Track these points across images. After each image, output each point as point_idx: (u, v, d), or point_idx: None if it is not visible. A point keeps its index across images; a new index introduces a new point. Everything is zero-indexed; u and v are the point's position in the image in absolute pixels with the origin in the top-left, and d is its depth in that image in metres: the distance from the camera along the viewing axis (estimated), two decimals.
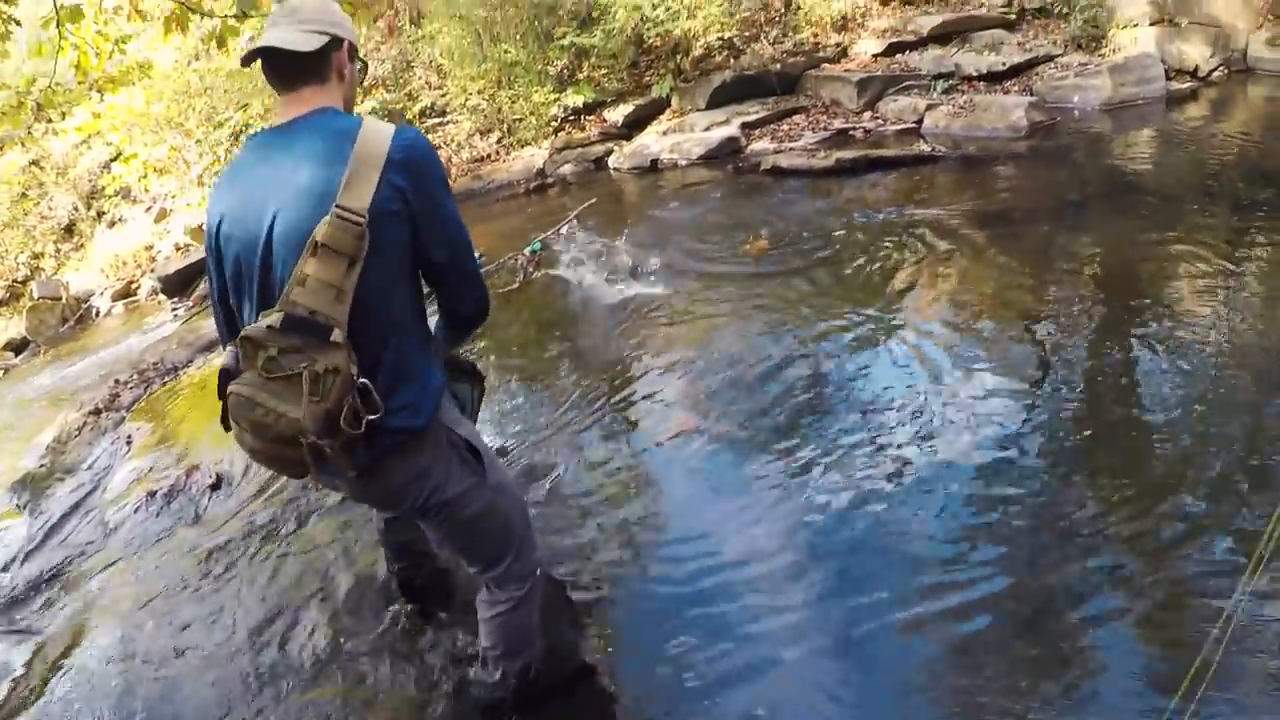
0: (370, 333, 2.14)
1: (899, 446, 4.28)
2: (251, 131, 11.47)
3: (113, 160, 12.91)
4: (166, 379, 7.38)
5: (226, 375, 2.22)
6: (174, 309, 10.50)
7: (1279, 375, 4.53)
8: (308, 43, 2.18)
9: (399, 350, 2.23)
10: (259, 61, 2.23)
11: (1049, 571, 3.41)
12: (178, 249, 11.90)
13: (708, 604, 3.48)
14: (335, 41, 2.26)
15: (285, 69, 2.22)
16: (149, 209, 12.95)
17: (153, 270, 11.59)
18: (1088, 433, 4.29)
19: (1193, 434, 4.14)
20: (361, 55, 2.46)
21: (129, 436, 6.31)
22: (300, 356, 2.00)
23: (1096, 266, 6.23)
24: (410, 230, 2.17)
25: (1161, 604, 3.19)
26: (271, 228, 2.09)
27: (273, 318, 2.02)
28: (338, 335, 2.01)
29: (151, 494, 5.15)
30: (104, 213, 13.52)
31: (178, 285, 11.00)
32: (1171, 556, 3.40)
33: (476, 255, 2.48)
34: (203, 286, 10.76)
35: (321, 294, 2.01)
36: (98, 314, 11.60)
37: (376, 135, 2.10)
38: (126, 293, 11.77)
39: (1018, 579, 3.40)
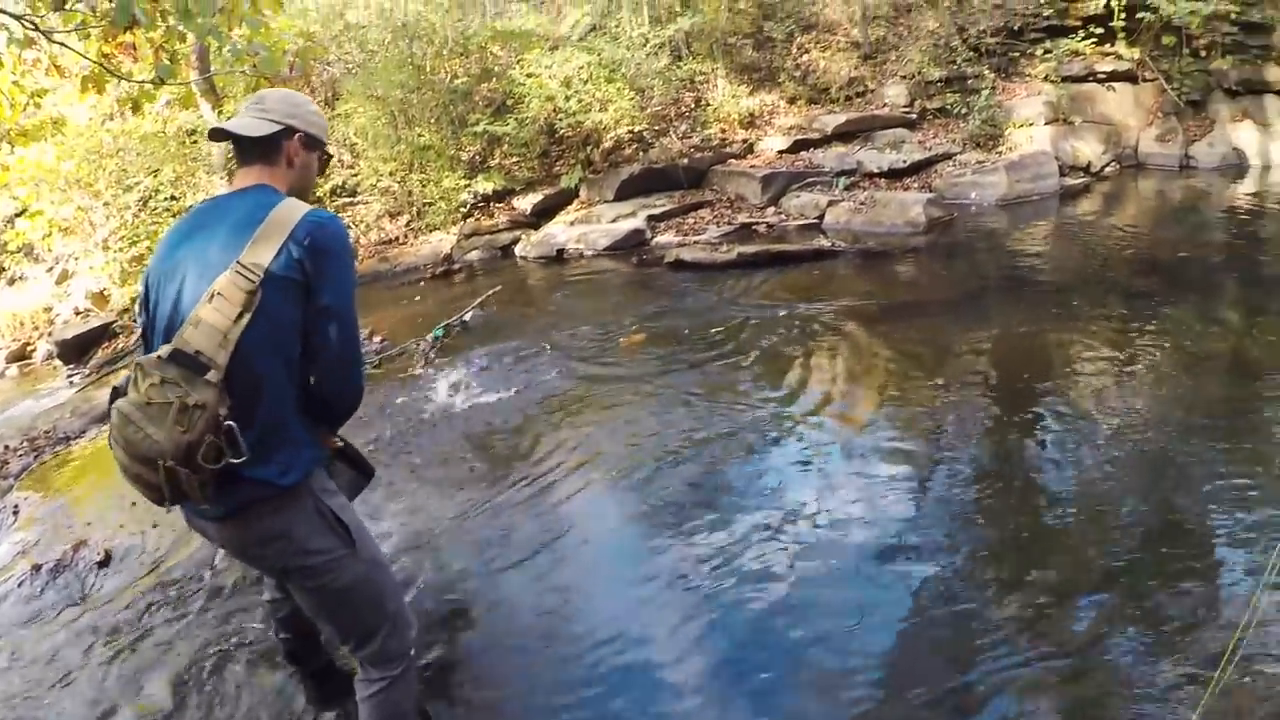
0: (250, 386, 2.27)
1: (797, 534, 4.20)
2: (163, 197, 11.39)
3: (18, 215, 12.42)
4: (58, 448, 6.99)
5: (115, 394, 2.31)
6: (70, 375, 9.88)
7: (1169, 459, 4.58)
8: (260, 129, 2.48)
9: (277, 410, 2.34)
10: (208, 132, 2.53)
11: (938, 653, 3.35)
12: (77, 313, 11.33)
13: (603, 684, 3.37)
14: (287, 131, 2.52)
15: (240, 149, 2.52)
16: (51, 269, 12.38)
17: (50, 334, 10.95)
18: (981, 519, 4.24)
19: (1084, 519, 4.13)
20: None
21: (15, 507, 5.97)
22: (177, 388, 2.15)
23: (992, 356, 6.28)
24: (301, 301, 2.32)
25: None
26: (185, 279, 2.32)
27: (164, 350, 2.22)
28: (213, 376, 2.18)
29: (36, 568, 4.88)
30: (4, 269, 12.90)
31: (75, 351, 10.38)
32: (1048, 634, 3.37)
33: (364, 346, 2.63)
34: (100, 355, 10.44)
35: (209, 337, 2.20)
36: None
37: (290, 210, 2.34)
38: (21, 354, 11.03)
39: (909, 665, 3.32)
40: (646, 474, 4.99)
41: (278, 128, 2.50)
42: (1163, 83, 14.16)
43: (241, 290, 2.22)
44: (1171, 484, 4.35)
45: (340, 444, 2.89)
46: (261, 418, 2.30)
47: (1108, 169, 12.33)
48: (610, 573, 4.18)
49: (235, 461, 2.21)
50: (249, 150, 2.51)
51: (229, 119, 2.87)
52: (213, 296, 2.23)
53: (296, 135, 2.55)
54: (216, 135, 2.58)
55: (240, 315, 2.22)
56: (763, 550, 4.10)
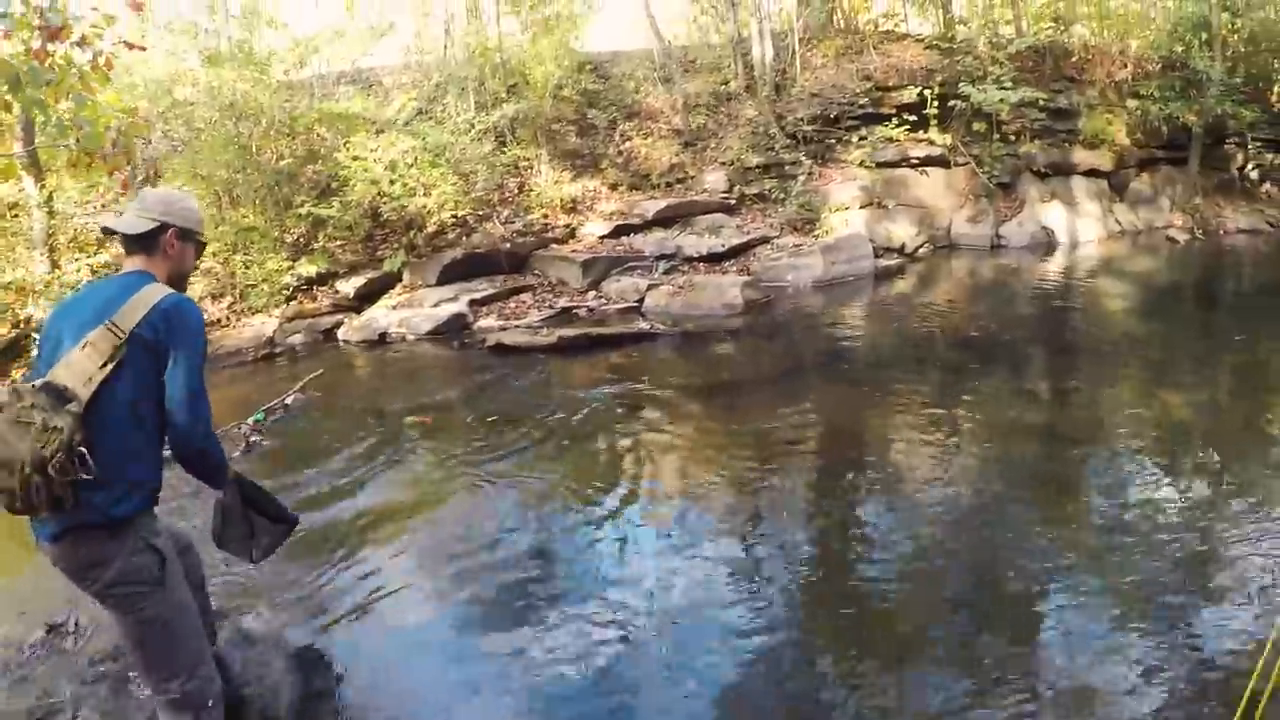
0: (106, 426, 2.68)
1: (623, 621, 3.96)
2: None
3: None
4: None
5: None
6: None
7: (986, 526, 4.58)
8: (139, 226, 2.91)
9: (122, 447, 2.72)
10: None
11: None
12: None
13: None
14: (163, 227, 2.93)
15: (125, 242, 2.97)
16: None
17: None
18: (807, 599, 4.09)
19: (905, 591, 4.04)
20: (194, 235, 3.07)
21: None
22: (43, 412, 2.56)
23: (811, 433, 6.21)
24: (157, 363, 2.75)
25: None
26: (63, 331, 2.80)
27: (38, 382, 2.66)
28: (74, 407, 2.61)
29: None
30: None
31: None
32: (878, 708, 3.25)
33: (210, 416, 2.90)
34: None
35: (76, 376, 2.66)
36: None
37: (154, 291, 2.80)
38: None
39: None
40: (470, 565, 4.71)
41: (154, 224, 2.92)
42: (974, 166, 14.85)
43: (109, 344, 2.69)
44: (989, 550, 4.33)
45: (237, 491, 3.22)
46: (108, 450, 2.67)
47: (921, 249, 12.74)
48: (435, 671, 3.91)
49: (85, 477, 2.59)
50: (132, 243, 2.94)
51: (119, 215, 3.18)
52: (85, 345, 2.70)
53: (170, 230, 2.95)
54: (106, 231, 3.10)
55: (105, 364, 2.68)
56: (587, 640, 3.86)
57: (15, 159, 8.45)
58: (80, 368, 2.67)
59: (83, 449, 2.59)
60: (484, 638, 4.02)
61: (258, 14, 13.41)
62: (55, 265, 11.05)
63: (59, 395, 2.62)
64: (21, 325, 10.63)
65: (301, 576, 4.79)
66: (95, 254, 11.30)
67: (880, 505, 4.95)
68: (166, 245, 2.94)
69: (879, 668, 3.53)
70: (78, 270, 10.71)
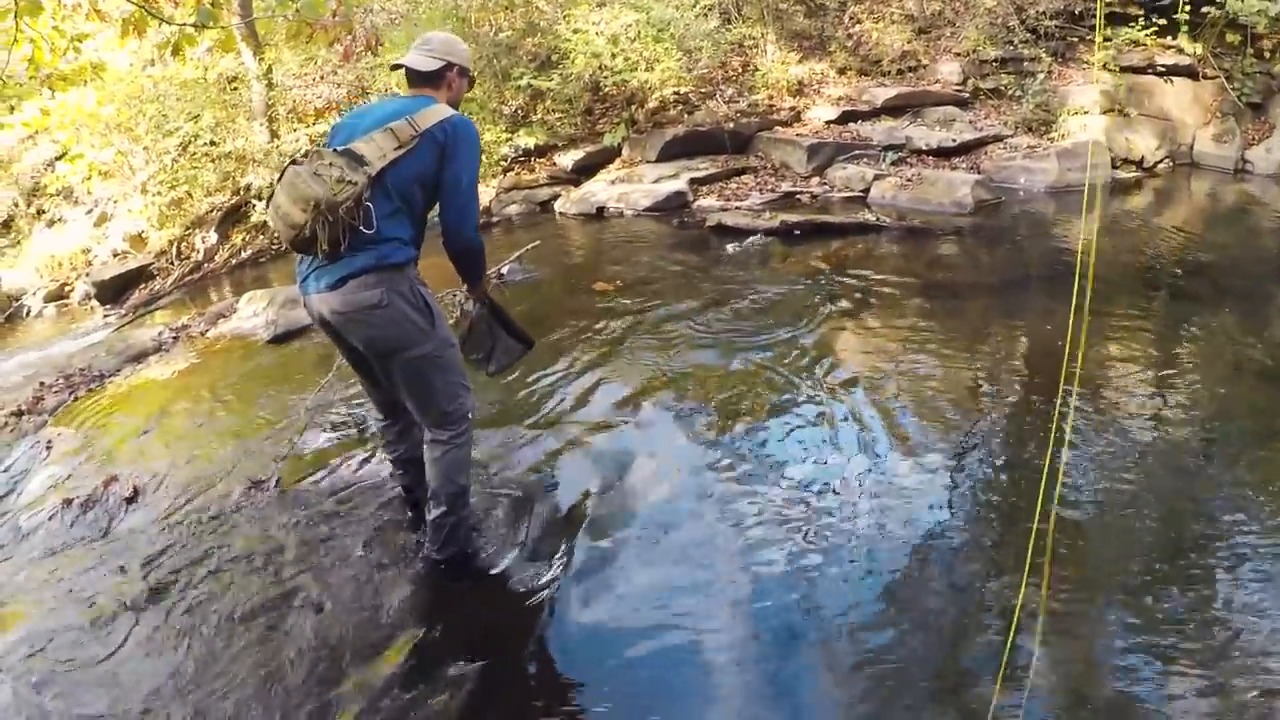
0: (388, 196, 3.22)
1: (825, 515, 4.11)
2: (202, 142, 11.38)
3: (58, 159, 12.55)
4: (92, 386, 7.06)
5: (292, 162, 3.19)
6: (106, 316, 10.20)
7: (1205, 461, 4.47)
8: (428, 65, 3.47)
9: (400, 221, 3.28)
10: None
11: (963, 647, 3.31)
12: (115, 255, 11.58)
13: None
14: (449, 65, 3.49)
15: (411, 77, 3.52)
16: (90, 211, 12.58)
17: (88, 274, 11.24)
18: (1001, 517, 4.12)
19: (1118, 519, 4.02)
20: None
21: (49, 442, 6.01)
22: (339, 169, 3.06)
23: (1030, 345, 6.15)
24: (439, 162, 3.27)
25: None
26: (363, 121, 3.35)
27: (339, 149, 3.20)
28: (368, 170, 3.12)
29: (68, 502, 4.88)
30: (44, 211, 13.12)
31: (112, 292, 10.74)
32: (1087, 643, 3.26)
33: (476, 213, 3.46)
34: (136, 296, 10.49)
35: (374, 151, 3.17)
36: (28, 313, 11.22)
37: (445, 109, 3.36)
38: (59, 295, 11.42)
39: (930, 654, 3.27)
40: (677, 428, 4.99)
41: (441, 63, 3.47)
42: (1223, 81, 13.81)
43: (406, 134, 3.21)
44: (1187, 501, 4.20)
45: (490, 290, 3.90)
46: (383, 215, 3.19)
47: (1160, 165, 12.06)
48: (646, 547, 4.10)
49: (365, 230, 3.14)
50: (420, 79, 3.49)
51: (402, 56, 3.62)
52: (385, 131, 3.21)
53: (454, 68, 3.52)
54: (396, 67, 3.59)
55: (400, 147, 3.20)
56: (783, 530, 4.03)
57: (234, 30, 8.77)
58: (378, 145, 3.18)
59: (369, 204, 3.13)
60: (689, 519, 4.19)
61: None
62: (274, 135, 11.64)
63: (358, 159, 3.13)
64: (241, 193, 11.29)
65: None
66: (314, 124, 11.79)
67: (1084, 437, 4.81)
68: (450, 80, 3.53)
69: (1055, 601, 3.52)
70: (296, 140, 11.30)
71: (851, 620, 3.43)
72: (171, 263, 11.23)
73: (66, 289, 11.50)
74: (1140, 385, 5.47)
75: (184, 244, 11.43)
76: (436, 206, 3.44)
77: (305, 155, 3.21)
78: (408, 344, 3.30)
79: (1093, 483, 4.35)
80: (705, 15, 12.56)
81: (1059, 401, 4.74)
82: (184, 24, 5.41)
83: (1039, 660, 3.13)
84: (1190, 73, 13.77)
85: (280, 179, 3.16)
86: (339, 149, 3.18)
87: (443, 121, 3.27)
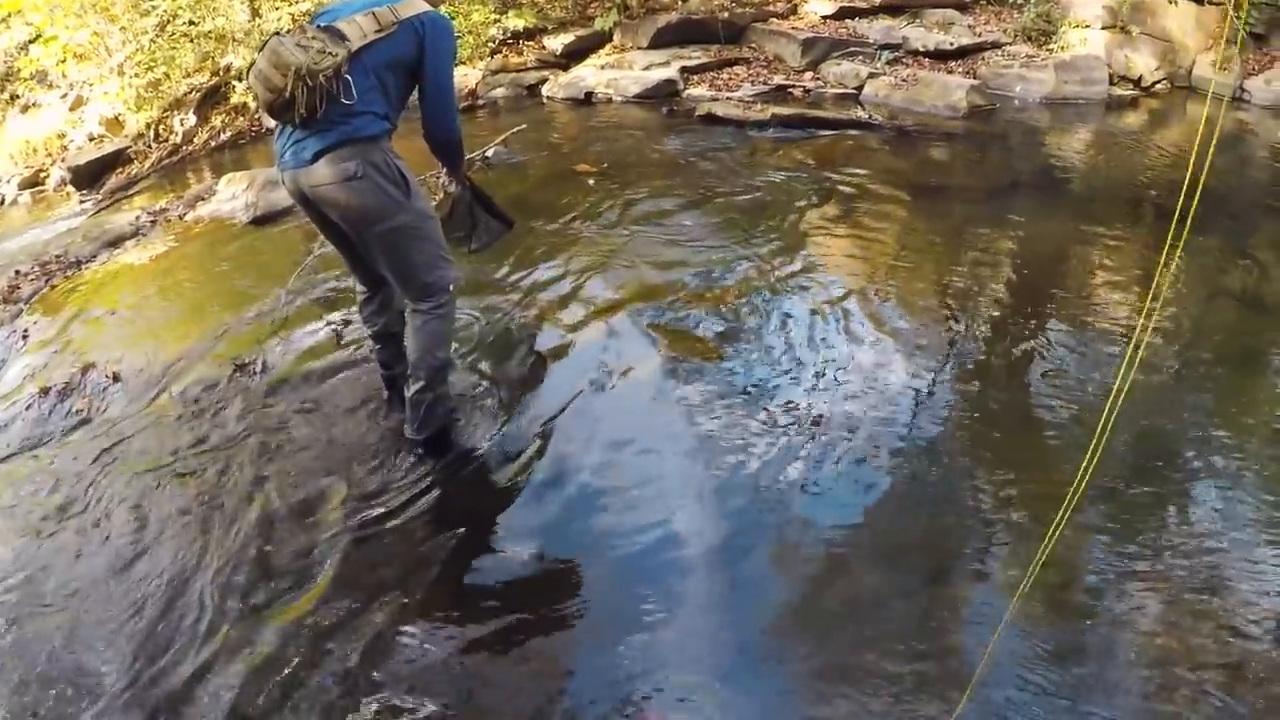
0: (366, 73, 3.29)
1: (806, 409, 4.09)
2: (181, 21, 10.93)
3: (31, 41, 12.17)
4: (69, 273, 6.94)
5: (275, 35, 3.27)
6: (82, 201, 9.98)
7: (1185, 380, 4.44)
8: None
9: (375, 98, 3.34)
10: None
11: (940, 540, 3.33)
12: (91, 139, 11.38)
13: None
14: None
15: None
16: (65, 95, 12.31)
17: (64, 160, 11.05)
18: (986, 416, 4.14)
19: (1091, 428, 3.99)
20: None
21: (25, 331, 5.94)
22: (322, 42, 3.16)
23: (1016, 253, 6.04)
24: (416, 50, 3.36)
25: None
26: (342, 13, 3.34)
27: (325, 25, 3.27)
28: (349, 46, 3.21)
29: (45, 390, 4.82)
30: (17, 96, 12.87)
31: (88, 177, 10.54)
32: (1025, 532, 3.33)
33: (457, 108, 3.63)
34: (113, 181, 10.28)
35: (355, 31, 3.25)
36: (3, 201, 11.05)
37: (421, 4, 3.39)
38: (35, 181, 11.22)
39: (907, 546, 3.32)
40: (658, 320, 4.93)
41: None
42: (1229, 7, 13.59)
43: (387, 20, 3.28)
44: (1155, 420, 4.16)
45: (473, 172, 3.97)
46: (360, 90, 3.26)
47: (1158, 85, 11.87)
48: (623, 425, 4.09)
49: (345, 101, 3.23)
50: None
51: None
52: (368, 14, 3.27)
53: None
54: None
55: (379, 30, 3.27)
56: (764, 425, 4.01)
57: None
58: (360, 26, 3.26)
59: (348, 76, 3.21)
60: (676, 405, 4.17)
61: None
62: (256, 13, 11.19)
63: (339, 36, 3.22)
64: (221, 74, 10.91)
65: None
66: (297, 2, 11.39)
67: (1061, 350, 4.78)
68: None
69: (1028, 502, 3.55)
70: (279, 19, 10.89)
71: (829, 524, 3.44)
72: (149, 146, 10.97)
73: (42, 175, 11.29)
74: (1121, 305, 5.38)
75: (162, 126, 11.14)
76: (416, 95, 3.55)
77: (289, 31, 3.33)
78: (384, 215, 3.37)
79: (1076, 388, 4.36)
80: None
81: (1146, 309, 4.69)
82: None
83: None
84: None
85: (262, 49, 3.22)
86: (322, 25, 3.26)
87: (421, 14, 3.36)
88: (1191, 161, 4.86)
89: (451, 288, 3.65)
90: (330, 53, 3.16)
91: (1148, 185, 7.91)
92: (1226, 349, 4.88)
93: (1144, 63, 11.83)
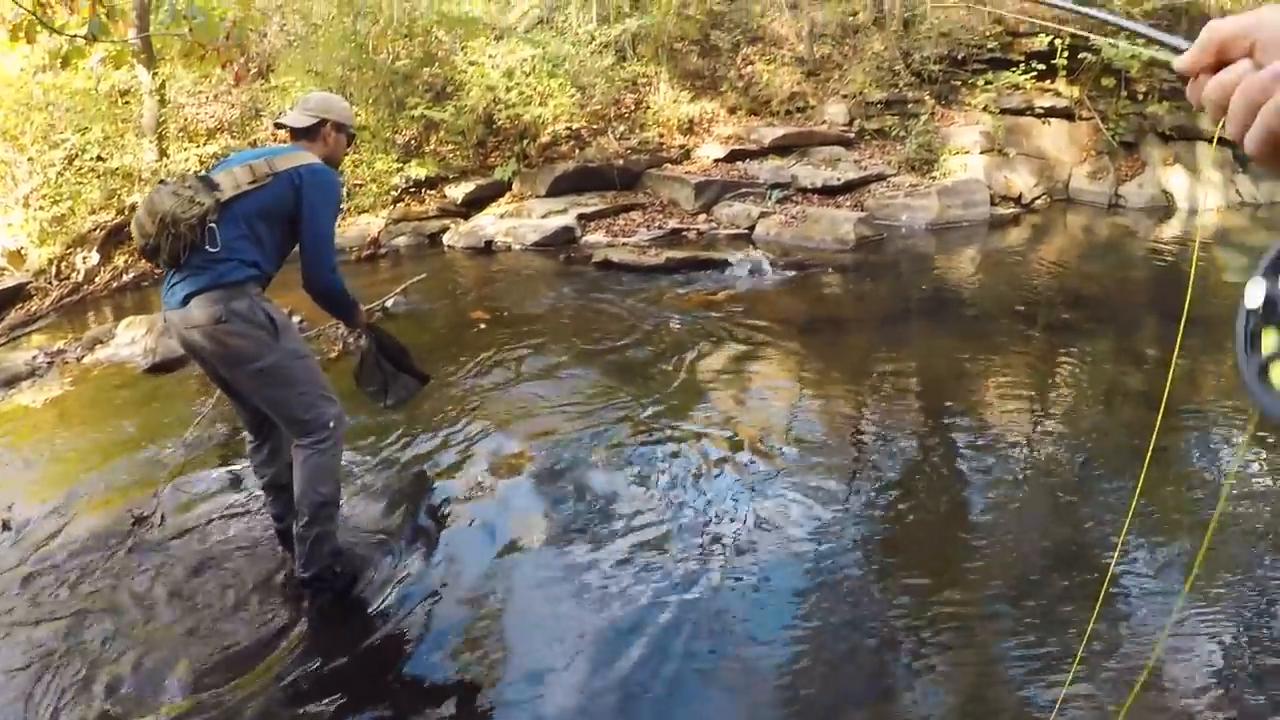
0: (235, 223, 3.42)
1: (714, 546, 4.05)
2: (89, 156, 10.94)
3: None
4: None
5: (161, 182, 3.57)
6: None
7: (1078, 483, 4.56)
8: (304, 121, 3.75)
9: (244, 246, 3.44)
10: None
11: (860, 672, 3.27)
12: None
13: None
14: (323, 121, 3.77)
15: (293, 134, 3.78)
16: None
17: None
18: (899, 537, 4.15)
19: (1001, 538, 4.08)
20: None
21: None
22: (193, 191, 3.34)
23: (911, 378, 6.22)
24: (293, 204, 3.49)
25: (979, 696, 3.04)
26: (228, 165, 3.58)
27: (202, 175, 3.50)
28: (219, 195, 3.38)
29: None
30: None
31: None
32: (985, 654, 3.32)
33: (335, 261, 3.67)
34: (12, 316, 10.06)
35: (230, 181, 3.43)
36: None
37: (310, 156, 3.61)
38: None
39: (829, 681, 3.23)
40: (557, 474, 4.86)
41: (316, 120, 3.75)
42: (1098, 122, 14.35)
43: (262, 171, 3.47)
44: (1071, 517, 4.28)
45: (371, 324, 4.11)
46: (229, 239, 3.39)
47: (1038, 201, 12.46)
48: (524, 577, 4.01)
49: (210, 249, 3.34)
50: (299, 134, 3.74)
51: (284, 115, 3.97)
52: (245, 166, 3.49)
53: (329, 123, 3.78)
54: (279, 125, 3.89)
55: (253, 182, 3.45)
56: (678, 557, 3.97)
57: (129, 45, 8.60)
58: (234, 178, 3.45)
59: (213, 226, 3.34)
60: (572, 551, 4.11)
61: None
62: (164, 154, 11.25)
63: (212, 185, 3.40)
64: (126, 212, 10.88)
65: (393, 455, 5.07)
66: (204, 144, 11.51)
67: (971, 457, 4.91)
68: (326, 135, 3.78)
69: (954, 601, 3.60)
70: (186, 160, 10.93)
71: (725, 672, 3.34)
72: (50, 283, 10.74)
73: None
74: (1021, 411, 5.56)
75: (64, 263, 10.92)
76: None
77: (179, 177, 3.58)
78: (251, 357, 3.41)
79: (982, 497, 4.47)
80: (601, 52, 12.71)
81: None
82: (75, 35, 5.25)
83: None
84: (1067, 114, 14.29)
85: (143, 198, 3.45)
86: (199, 175, 3.49)
87: (299, 167, 3.50)
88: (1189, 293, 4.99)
89: (332, 424, 3.62)
90: (198, 201, 3.30)
91: (1033, 300, 8.23)
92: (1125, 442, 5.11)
93: (1023, 181, 12.44)
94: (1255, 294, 0.68)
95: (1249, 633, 3.34)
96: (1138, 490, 4.42)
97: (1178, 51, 0.72)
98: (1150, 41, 0.86)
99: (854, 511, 4.36)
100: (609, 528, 4.27)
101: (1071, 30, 14.58)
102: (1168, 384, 5.39)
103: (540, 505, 4.57)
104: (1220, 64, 0.69)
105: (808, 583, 3.78)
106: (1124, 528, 4.05)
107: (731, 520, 4.28)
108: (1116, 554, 3.89)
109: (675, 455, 5.02)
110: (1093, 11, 0.99)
